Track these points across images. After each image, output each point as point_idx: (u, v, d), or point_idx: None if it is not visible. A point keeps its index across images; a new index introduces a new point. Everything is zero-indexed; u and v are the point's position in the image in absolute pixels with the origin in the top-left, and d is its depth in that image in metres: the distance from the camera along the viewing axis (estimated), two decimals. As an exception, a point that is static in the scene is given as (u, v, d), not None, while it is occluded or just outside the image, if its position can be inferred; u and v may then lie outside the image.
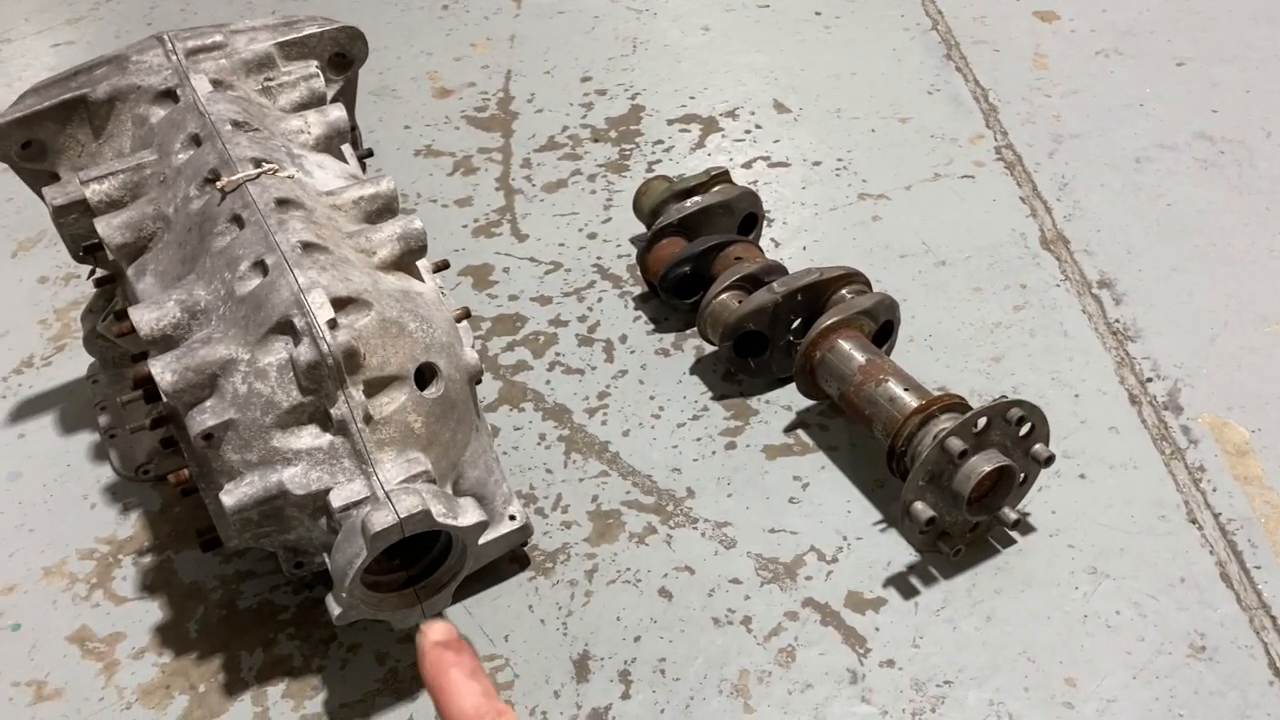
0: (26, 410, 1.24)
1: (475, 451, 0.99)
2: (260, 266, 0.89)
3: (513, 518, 1.01)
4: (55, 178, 1.08)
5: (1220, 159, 1.46)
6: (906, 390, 1.03)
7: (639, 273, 1.33)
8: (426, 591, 0.93)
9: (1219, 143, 1.49)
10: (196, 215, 0.95)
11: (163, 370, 0.86)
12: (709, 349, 1.24)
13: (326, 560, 0.90)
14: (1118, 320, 1.24)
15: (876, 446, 1.09)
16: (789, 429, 1.16)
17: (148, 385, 0.93)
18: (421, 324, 0.93)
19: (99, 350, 1.23)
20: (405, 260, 0.97)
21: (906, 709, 0.91)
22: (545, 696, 0.94)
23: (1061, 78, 1.64)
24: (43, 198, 1.07)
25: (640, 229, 1.41)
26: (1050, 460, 0.98)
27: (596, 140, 1.59)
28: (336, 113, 1.08)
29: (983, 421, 0.95)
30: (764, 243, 1.36)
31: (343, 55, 1.16)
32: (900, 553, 1.03)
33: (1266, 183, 1.42)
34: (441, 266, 1.04)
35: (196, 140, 1.00)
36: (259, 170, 0.95)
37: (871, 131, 1.57)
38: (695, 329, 1.27)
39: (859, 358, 1.07)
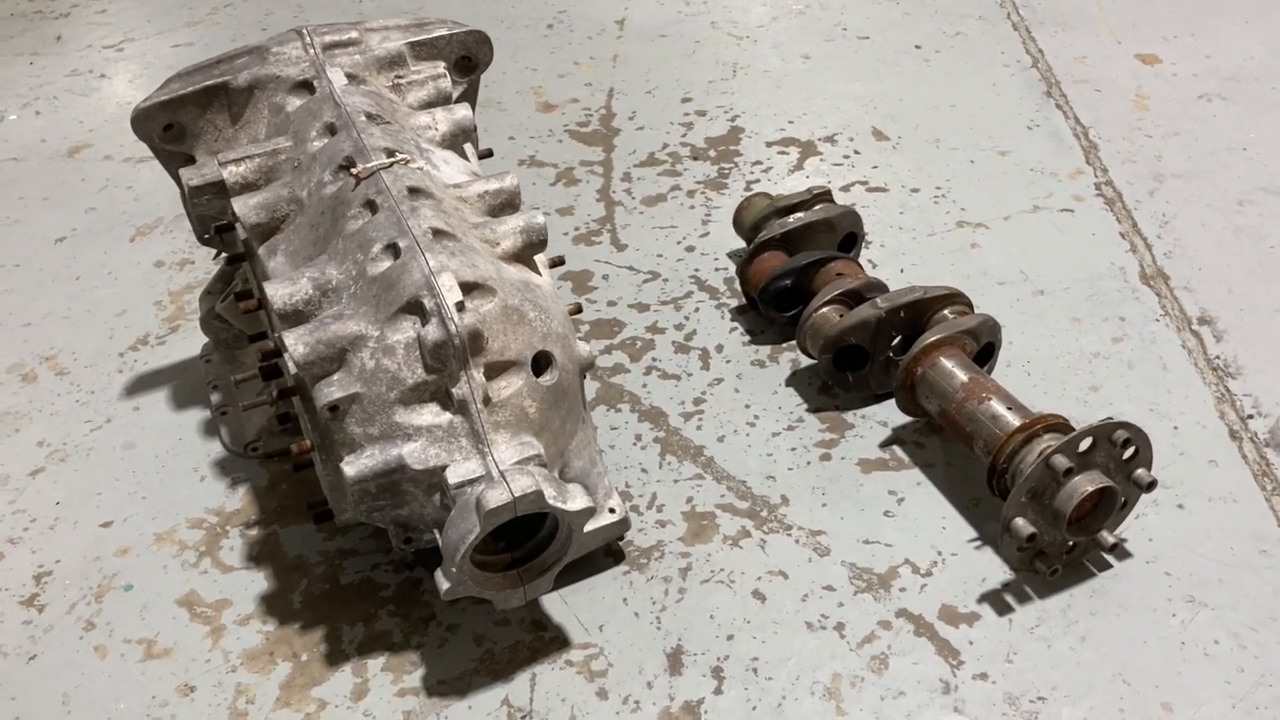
0: (142, 385, 1.28)
1: (580, 442, 1.01)
2: (392, 249, 0.93)
3: (612, 510, 1.03)
4: (191, 160, 1.12)
5: (1324, 205, 1.46)
6: (1009, 409, 1.04)
7: (736, 285, 1.35)
8: (530, 574, 0.95)
9: (1324, 189, 1.48)
10: (330, 199, 0.99)
11: (295, 342, 0.90)
12: (805, 362, 1.26)
13: (436, 536, 0.93)
14: (1218, 357, 1.24)
15: (973, 466, 1.10)
16: (885, 444, 1.16)
17: (274, 359, 0.97)
18: (540, 314, 0.95)
19: (214, 331, 1.27)
20: (526, 253, 1.00)
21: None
22: (638, 686, 0.96)
23: (1163, 119, 1.64)
24: (177, 179, 1.12)
25: (738, 244, 1.43)
26: (1152, 485, 0.98)
27: (696, 158, 1.62)
28: (463, 111, 1.12)
29: (1088, 441, 0.95)
30: (862, 263, 1.38)
31: (468, 58, 1.20)
32: (995, 570, 1.03)
33: (1373, 230, 1.41)
34: (557, 262, 1.07)
35: (331, 129, 1.04)
36: (392, 160, 0.99)
37: (970, 163, 1.58)
38: (792, 342, 1.28)
39: (961, 375, 1.08)
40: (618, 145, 1.66)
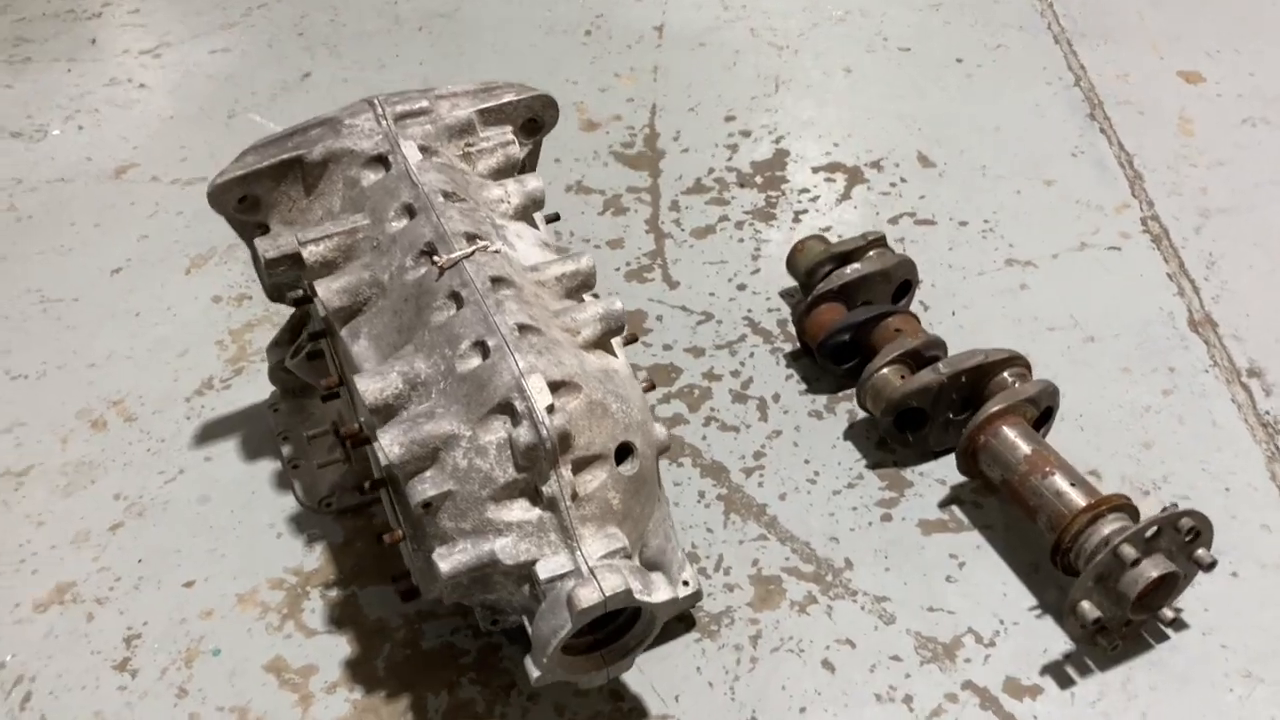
0: (210, 433, 1.31)
1: (657, 520, 1.04)
2: (480, 347, 0.95)
3: (686, 583, 1.06)
4: (265, 228, 1.14)
5: (1369, 244, 1.47)
6: (1073, 485, 1.07)
7: (789, 328, 1.37)
8: (612, 655, 0.98)
9: (1369, 227, 1.50)
10: (413, 287, 1.01)
11: (391, 443, 0.92)
12: (861, 414, 1.29)
13: (525, 622, 0.96)
14: (1268, 413, 1.27)
15: (1031, 530, 1.13)
16: (944, 504, 1.20)
17: (363, 443, 1.00)
18: (621, 404, 0.98)
19: (281, 381, 1.30)
20: (604, 339, 1.02)
21: (1065, 801, 0.96)
22: (716, 758, 1.00)
23: (1207, 145, 1.65)
24: (252, 247, 1.13)
25: (789, 282, 1.45)
26: (1213, 566, 1.02)
27: (743, 185, 1.63)
28: (534, 183, 1.13)
29: (1153, 529, 0.98)
30: (913, 306, 1.40)
31: (535, 120, 1.21)
32: (1056, 641, 1.07)
33: None
34: (631, 340, 1.09)
35: (410, 210, 1.05)
36: (473, 248, 1.01)
37: (1017, 193, 1.59)
38: (847, 391, 1.31)
39: (1024, 447, 1.11)
40: (664, 170, 1.67)
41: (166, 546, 1.20)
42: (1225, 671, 1.04)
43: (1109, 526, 1.02)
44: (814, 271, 1.37)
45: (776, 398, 1.32)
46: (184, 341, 1.43)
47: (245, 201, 1.12)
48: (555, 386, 0.93)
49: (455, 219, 1.04)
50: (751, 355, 1.38)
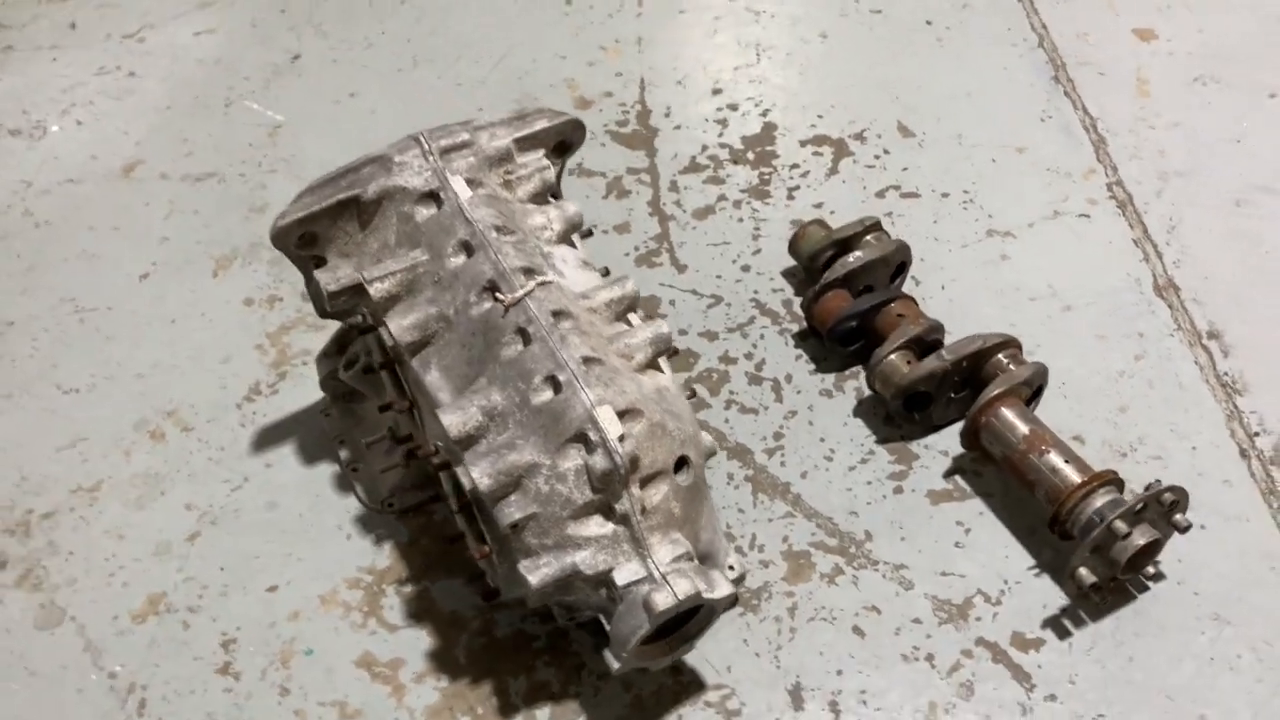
0: (266, 439, 1.41)
1: (706, 515, 1.17)
2: (552, 381, 1.06)
3: (732, 568, 1.20)
4: (321, 260, 1.22)
5: (1313, 203, 1.62)
6: (1067, 462, 1.21)
7: (795, 309, 1.49)
8: (676, 642, 1.12)
9: (1311, 185, 1.64)
10: (479, 322, 1.11)
11: (481, 475, 1.03)
12: (866, 392, 1.41)
13: (602, 620, 1.09)
14: (1226, 373, 1.42)
15: (1027, 497, 1.28)
16: (948, 474, 1.34)
17: (444, 468, 1.11)
18: (676, 421, 1.10)
19: (332, 389, 1.39)
20: (655, 361, 1.14)
21: (1069, 739, 1.13)
22: (771, 716, 1.15)
23: (1163, 107, 1.77)
24: (309, 276, 1.22)
25: (788, 261, 1.56)
26: (1188, 528, 1.17)
27: (736, 162, 1.72)
28: (573, 209, 1.22)
29: (1141, 505, 1.13)
30: (906, 283, 1.52)
31: (565, 143, 1.29)
32: (1053, 597, 1.23)
33: (1355, 232, 1.58)
34: (672, 353, 1.20)
35: (467, 248, 1.14)
36: (532, 284, 1.10)
37: (992, 162, 1.71)
38: (852, 370, 1.44)
39: (1022, 427, 1.25)
40: (659, 149, 1.75)
41: (244, 553, 1.30)
42: (1197, 616, 1.21)
43: (1101, 500, 1.17)
44: (816, 256, 1.48)
45: (789, 378, 1.44)
46: (224, 348, 1.51)
47: (304, 238, 1.20)
48: (622, 414, 1.05)
49: (511, 255, 1.13)
50: (762, 337, 1.49)
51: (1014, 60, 1.87)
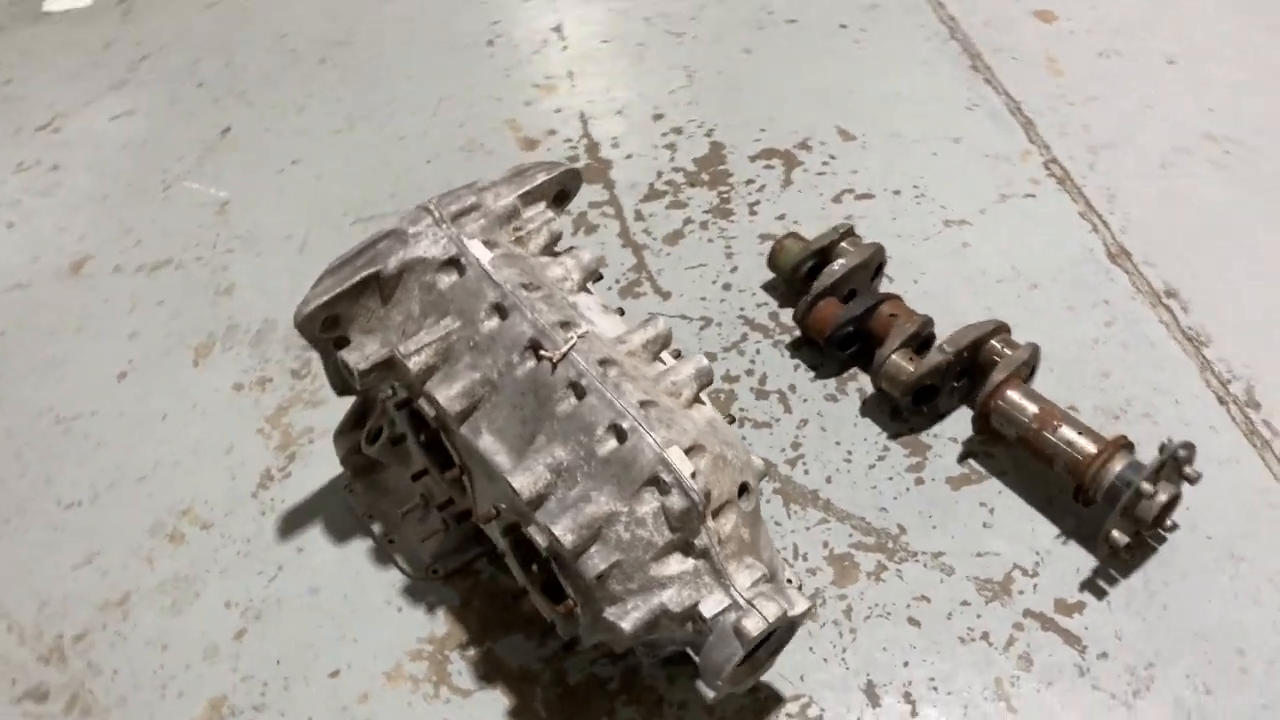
0: (292, 524, 1.39)
1: (765, 536, 1.21)
2: (615, 430, 1.08)
3: (790, 581, 1.25)
4: (344, 340, 1.22)
5: (1228, 159, 1.75)
6: (1080, 434, 1.29)
7: (781, 320, 1.54)
8: (758, 662, 1.16)
9: (1223, 142, 1.77)
10: (527, 382, 1.13)
11: (565, 532, 1.05)
12: (868, 391, 1.48)
13: (690, 653, 1.12)
14: (1190, 328, 1.53)
15: (1039, 470, 1.36)
16: (962, 459, 1.41)
17: (518, 531, 1.12)
18: (732, 450, 1.13)
19: (353, 464, 1.39)
20: (699, 394, 1.17)
21: (1128, 690, 1.20)
22: (850, 718, 1.20)
23: (1077, 83, 1.89)
24: (329, 357, 1.22)
25: (765, 275, 1.61)
26: (1198, 479, 1.27)
27: (693, 185, 1.77)
28: (588, 256, 1.25)
29: (1161, 464, 1.22)
30: (883, 281, 1.58)
31: (564, 192, 1.31)
32: (1083, 560, 1.31)
33: (1268, 182, 1.71)
34: (707, 384, 1.24)
35: (500, 310, 1.16)
36: (573, 337, 1.13)
37: (934, 155, 1.79)
38: (851, 372, 1.50)
39: (1031, 407, 1.32)
40: (616, 180, 1.78)
41: (298, 642, 1.29)
42: (1215, 558, 1.30)
43: (1119, 465, 1.25)
44: (797, 267, 1.54)
45: (793, 389, 1.50)
46: (224, 438, 1.48)
47: (328, 321, 1.20)
48: (687, 452, 1.08)
49: (544, 311, 1.15)
50: (758, 352, 1.54)
51: (931, 54, 1.96)
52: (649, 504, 1.07)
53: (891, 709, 1.20)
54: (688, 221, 1.71)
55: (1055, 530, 1.34)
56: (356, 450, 1.36)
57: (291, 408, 1.51)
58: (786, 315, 1.58)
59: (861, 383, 1.49)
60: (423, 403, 1.18)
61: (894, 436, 1.44)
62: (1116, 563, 1.30)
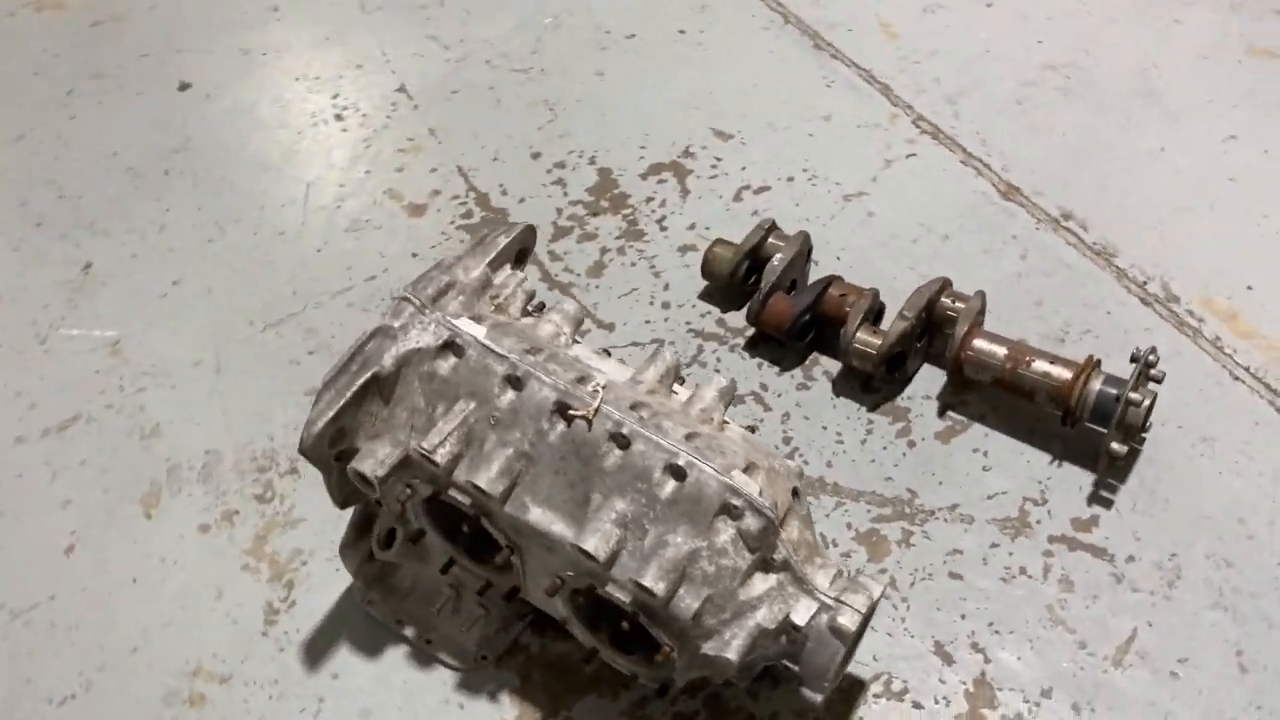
0: (316, 652, 1.32)
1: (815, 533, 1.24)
2: (673, 470, 1.08)
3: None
4: (352, 451, 1.17)
5: (1070, 84, 1.89)
6: (1052, 363, 1.38)
7: (730, 325, 1.57)
8: (851, 652, 1.18)
9: (1060, 69, 1.91)
10: (565, 445, 1.11)
11: (654, 581, 1.05)
12: (833, 370, 1.52)
13: (786, 664, 1.14)
14: (1096, 243, 1.64)
15: (1012, 406, 1.44)
16: (941, 413, 1.47)
17: (593, 594, 1.11)
18: (775, 460, 1.15)
19: (366, 574, 1.34)
20: (726, 414, 1.19)
21: (1163, 583, 1.29)
22: (935, 685, 1.24)
23: (914, 42, 1.99)
24: (332, 472, 1.17)
25: (699, 285, 1.64)
26: (1163, 378, 1.37)
27: (595, 214, 1.77)
28: (572, 307, 1.24)
29: (1139, 372, 1.31)
30: (811, 264, 1.63)
31: (524, 249, 1.30)
32: (1081, 478, 1.39)
33: (1112, 97, 1.86)
34: (729, 402, 1.25)
35: (514, 381, 1.14)
36: (597, 391, 1.12)
37: (810, 136, 1.86)
38: (811, 358, 1.54)
39: (999, 349, 1.40)
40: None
41: (368, 770, 1.23)
42: (1190, 444, 1.41)
43: (1098, 382, 1.34)
44: (734, 272, 1.57)
45: (765, 387, 1.53)
46: (209, 584, 1.39)
47: (335, 437, 1.15)
48: (744, 472, 1.09)
49: (557, 371, 1.14)
50: (719, 360, 1.56)
51: (773, 42, 2.03)
52: (725, 532, 1.07)
53: (966, 662, 1.25)
54: (604, 251, 1.71)
55: (1047, 457, 1.42)
56: (369, 559, 1.31)
57: (270, 534, 1.43)
58: (732, 319, 1.60)
59: (825, 365, 1.53)
60: (454, 493, 1.15)
61: (873, 409, 1.49)
62: (1113, 472, 1.39)
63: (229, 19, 2.21)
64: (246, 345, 1.65)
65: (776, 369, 1.54)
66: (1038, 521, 1.36)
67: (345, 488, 1.22)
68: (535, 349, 1.17)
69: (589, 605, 1.18)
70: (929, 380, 1.50)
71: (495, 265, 1.26)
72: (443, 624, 1.31)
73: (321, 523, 1.43)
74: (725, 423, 1.19)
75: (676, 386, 1.21)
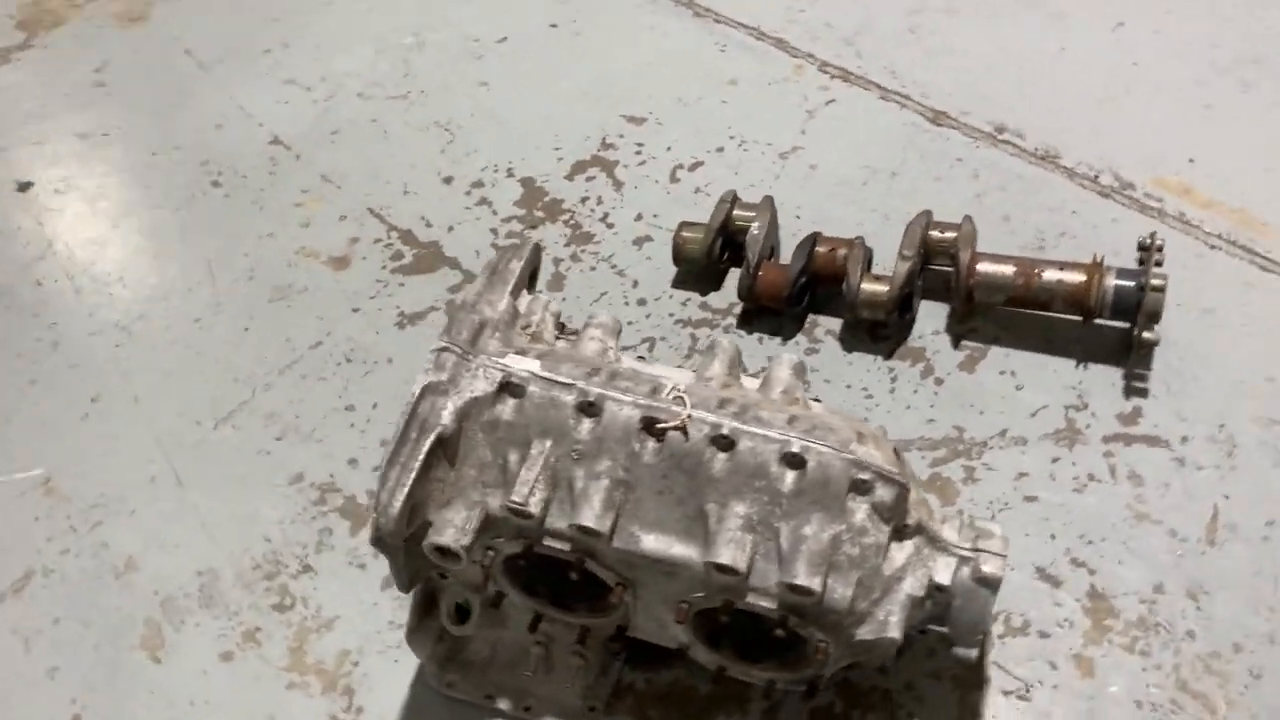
0: (406, 755, 1.20)
1: (903, 492, 1.20)
2: (789, 459, 1.02)
3: (928, 521, 1.24)
4: (426, 526, 1.06)
5: (952, 3, 1.90)
6: (1061, 269, 1.38)
7: (711, 306, 1.52)
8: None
9: (939, -9, 1.93)
10: (666, 462, 1.03)
11: (807, 579, 0.98)
12: (834, 327, 1.48)
13: (934, 627, 1.09)
14: (1037, 149, 1.66)
15: (1022, 320, 1.43)
16: (956, 344, 1.46)
17: (726, 608, 1.03)
18: (865, 424, 1.10)
19: (439, 655, 1.22)
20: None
21: (1222, 454, 1.31)
22: (1050, 609, 1.22)
23: (791, -9, 1.97)
24: (394, 560, 1.06)
25: (670, 273, 1.57)
26: (1162, 261, 1.39)
27: (534, 226, 1.68)
28: (610, 318, 1.16)
29: (1154, 259, 1.33)
30: (775, 230, 1.59)
31: (535, 269, 1.21)
32: (1109, 374, 1.40)
33: (996, 8, 1.88)
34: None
35: (588, 408, 1.05)
36: (680, 397, 1.05)
37: (724, 103, 1.81)
38: (810, 320, 1.50)
39: (1006, 267, 1.39)
40: (456, 256, 1.66)
41: None
42: (1195, 318, 1.43)
43: (1111, 278, 1.35)
44: (710, 251, 1.51)
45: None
46: (256, 714, 1.24)
47: (411, 516, 1.03)
48: (859, 443, 1.04)
49: (629, 387, 1.06)
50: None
51: (651, 18, 1.97)
52: (860, 510, 1.02)
53: (1072, 580, 1.24)
54: (558, 261, 1.62)
55: (1071, 362, 1.42)
56: (439, 639, 1.19)
57: (305, 643, 1.29)
58: (715, 299, 1.55)
59: (825, 325, 1.50)
60: (550, 542, 1.05)
61: (889, 356, 1.46)
62: (1138, 361, 1.40)
63: (52, 106, 1.99)
64: (202, 448, 1.48)
65: (779, 339, 1.49)
66: (1086, 426, 1.36)
67: (412, 568, 1.10)
68: (594, 370, 1.08)
69: (707, 625, 1.10)
70: (930, 316, 1.48)
71: (516, 293, 1.16)
72: (538, 685, 1.20)
73: (359, 616, 1.30)
74: (813, 399, 1.13)
75: (774, 369, 1.14)
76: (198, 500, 1.42)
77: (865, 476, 1.01)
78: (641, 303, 1.56)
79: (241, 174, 1.82)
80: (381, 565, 1.32)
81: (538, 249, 1.20)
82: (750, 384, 1.13)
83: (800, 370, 1.12)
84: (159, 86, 2.00)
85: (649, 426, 1.03)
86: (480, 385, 1.06)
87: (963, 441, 1.36)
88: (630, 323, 1.54)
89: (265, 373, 1.55)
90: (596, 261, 1.61)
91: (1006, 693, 1.17)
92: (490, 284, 1.14)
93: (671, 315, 1.54)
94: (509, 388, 1.06)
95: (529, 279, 1.20)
